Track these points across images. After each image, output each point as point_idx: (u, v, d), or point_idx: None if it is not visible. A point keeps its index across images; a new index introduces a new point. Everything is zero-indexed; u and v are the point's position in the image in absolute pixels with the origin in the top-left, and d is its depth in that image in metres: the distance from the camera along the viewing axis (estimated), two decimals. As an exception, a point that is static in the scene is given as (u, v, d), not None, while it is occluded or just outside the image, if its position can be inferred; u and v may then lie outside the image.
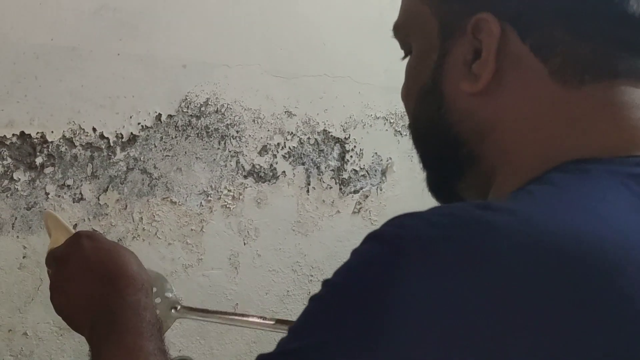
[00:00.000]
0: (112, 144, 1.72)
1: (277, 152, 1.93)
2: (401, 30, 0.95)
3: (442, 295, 0.66)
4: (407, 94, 0.95)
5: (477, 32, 0.83)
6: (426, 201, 2.16)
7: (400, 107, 2.03)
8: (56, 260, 1.21)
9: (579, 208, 0.73)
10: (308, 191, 1.99)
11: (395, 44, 2.00)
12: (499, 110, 0.85)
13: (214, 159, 1.85)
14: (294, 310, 1.98)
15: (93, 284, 1.17)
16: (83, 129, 1.69)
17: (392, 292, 0.67)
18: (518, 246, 0.68)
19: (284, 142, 1.94)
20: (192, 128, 1.82)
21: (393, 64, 2.02)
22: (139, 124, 1.75)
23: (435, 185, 0.96)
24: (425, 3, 0.89)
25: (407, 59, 0.97)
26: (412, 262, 0.67)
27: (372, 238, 0.71)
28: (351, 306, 0.69)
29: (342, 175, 2.03)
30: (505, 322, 0.65)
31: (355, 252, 0.71)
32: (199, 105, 1.82)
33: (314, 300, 0.72)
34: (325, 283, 0.71)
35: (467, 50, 0.85)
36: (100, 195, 1.72)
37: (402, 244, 0.69)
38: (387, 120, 2.09)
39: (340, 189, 2.03)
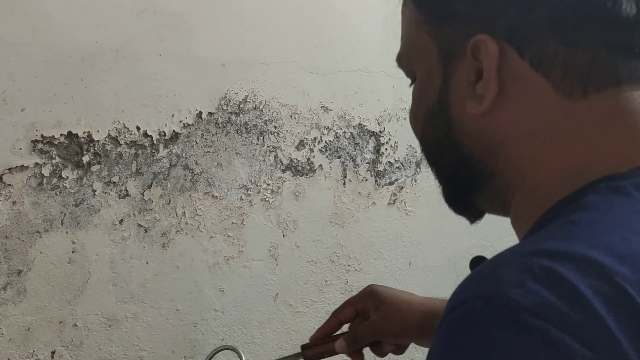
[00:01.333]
0: (155, 142, 1.74)
1: (314, 146, 1.94)
2: (404, 59, 0.96)
3: None
4: (414, 117, 0.95)
5: (477, 53, 0.83)
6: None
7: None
8: None
9: (622, 231, 0.72)
10: (344, 184, 1.99)
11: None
12: (507, 127, 0.84)
13: (253, 154, 1.86)
14: (332, 300, 1.99)
15: None
16: (127, 128, 1.70)
17: None
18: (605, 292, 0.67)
19: (321, 137, 1.95)
20: (232, 125, 1.83)
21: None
22: (180, 121, 1.76)
23: (451, 199, 0.97)
24: (423, 30, 0.89)
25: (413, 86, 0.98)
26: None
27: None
28: None
29: (377, 167, 2.03)
30: None
31: None
32: (238, 102, 1.83)
33: None
34: None
35: (469, 71, 0.84)
36: (144, 191, 1.74)
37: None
38: (421, 113, 2.08)
39: (376, 180, 2.04)
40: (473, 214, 0.98)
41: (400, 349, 1.38)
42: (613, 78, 0.81)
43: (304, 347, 1.37)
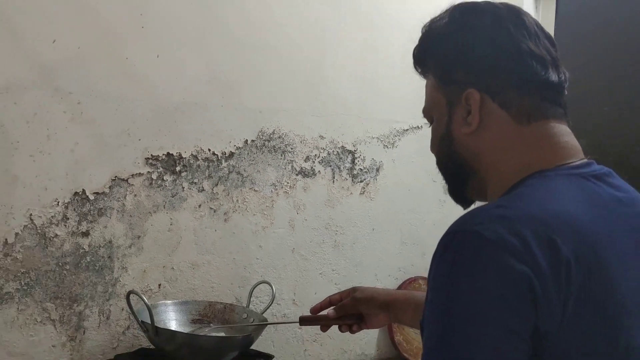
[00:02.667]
0: (219, 158, 1.75)
1: (315, 159, 1.94)
2: (428, 111, 0.99)
3: None
4: (433, 143, 0.99)
5: (467, 100, 0.90)
6: (402, 187, 2.21)
7: (387, 130, 2.08)
8: None
9: (546, 197, 0.80)
10: (333, 182, 1.98)
11: (383, 91, 2.03)
12: (484, 142, 0.90)
13: (278, 164, 1.86)
14: (326, 251, 1.98)
15: None
16: (203, 150, 1.72)
17: None
18: (522, 221, 0.74)
19: (319, 154, 1.94)
20: (265, 147, 1.83)
21: (383, 105, 2.06)
22: (234, 145, 1.77)
23: (454, 193, 1.00)
24: (438, 91, 0.95)
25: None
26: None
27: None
28: None
29: (353, 172, 2.03)
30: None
31: None
32: (269, 134, 1.84)
33: None
34: None
35: (463, 111, 0.91)
36: (213, 187, 1.75)
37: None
38: (379, 139, 2.07)
39: (352, 180, 2.03)
40: (466, 202, 0.99)
41: (358, 328, 1.30)
42: (544, 115, 0.89)
43: (301, 317, 1.32)
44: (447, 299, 0.74)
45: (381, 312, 1.27)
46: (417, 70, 1.01)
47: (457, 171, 0.95)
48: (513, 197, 0.81)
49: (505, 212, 0.76)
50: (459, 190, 0.98)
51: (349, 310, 1.29)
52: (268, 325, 1.54)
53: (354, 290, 1.31)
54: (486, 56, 0.89)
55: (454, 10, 0.96)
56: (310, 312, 1.33)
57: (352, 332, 1.31)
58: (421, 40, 0.99)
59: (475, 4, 0.95)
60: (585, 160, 0.88)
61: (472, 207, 0.89)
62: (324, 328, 1.33)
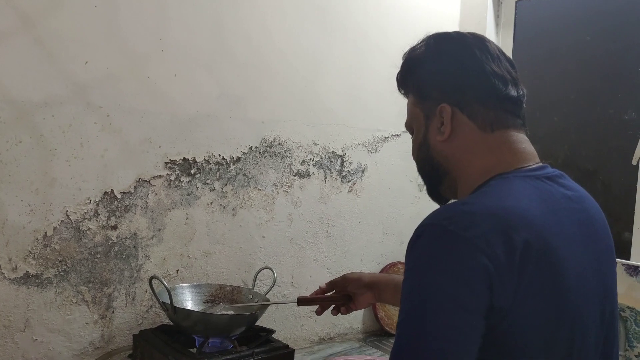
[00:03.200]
0: (228, 162, 1.73)
1: (310, 163, 1.92)
2: (409, 124, 0.99)
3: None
4: (414, 150, 0.99)
5: (441, 112, 0.91)
6: (383, 186, 2.19)
7: (371, 138, 2.06)
8: None
9: (504, 195, 0.80)
10: (325, 182, 1.97)
11: (367, 105, 2.02)
12: (455, 148, 0.90)
13: (279, 167, 1.85)
14: (319, 241, 1.96)
15: None
16: (214, 155, 1.70)
17: None
18: (482, 216, 0.75)
19: (313, 158, 1.93)
20: (267, 152, 1.82)
21: (367, 116, 2.05)
22: (241, 151, 1.76)
23: (431, 192, 0.99)
24: (417, 106, 0.95)
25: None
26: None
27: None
28: None
29: (342, 173, 2.01)
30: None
31: None
32: (270, 141, 1.82)
33: None
34: None
35: (437, 122, 0.91)
36: (223, 187, 1.73)
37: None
38: (364, 145, 2.06)
39: (341, 180, 2.01)
40: (442, 201, 0.99)
41: (348, 310, 1.29)
42: (505, 125, 0.89)
43: (299, 298, 1.29)
44: (416, 279, 0.75)
45: (367, 291, 1.26)
46: (400, 91, 1.02)
47: (433, 173, 0.95)
48: (477, 196, 0.81)
49: (469, 208, 0.76)
50: (435, 190, 0.98)
51: (339, 285, 1.28)
52: (270, 305, 1.53)
53: (342, 276, 1.30)
54: (456, 76, 0.90)
55: (429, 39, 0.96)
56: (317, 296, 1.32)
57: (343, 313, 1.30)
58: (402, 66, 1.00)
59: (446, 33, 0.96)
60: (540, 164, 0.88)
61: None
62: (319, 310, 1.31)
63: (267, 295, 1.61)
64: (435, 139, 0.92)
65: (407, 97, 0.99)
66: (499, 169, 0.86)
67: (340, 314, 1.30)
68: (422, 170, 0.98)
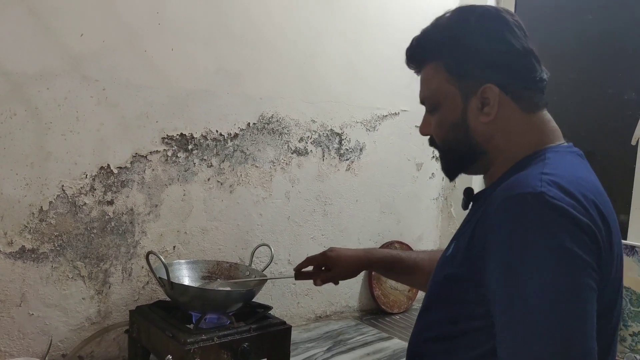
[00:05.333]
0: (226, 138, 1.73)
1: (308, 140, 1.92)
2: (432, 99, 0.95)
3: None
4: (440, 128, 0.95)
5: (484, 93, 0.89)
6: (381, 164, 2.18)
7: (369, 116, 2.05)
8: None
9: (569, 167, 0.81)
10: (323, 159, 1.97)
11: (366, 82, 1.99)
12: (498, 128, 0.90)
13: (276, 144, 1.84)
14: (317, 219, 1.97)
15: None
16: (211, 131, 1.69)
17: None
18: (570, 184, 0.75)
19: (311, 135, 1.92)
20: (265, 129, 1.81)
21: (366, 94, 2.03)
22: (239, 127, 1.75)
23: (452, 169, 0.98)
24: (451, 85, 0.91)
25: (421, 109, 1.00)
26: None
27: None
28: None
29: (340, 151, 2.01)
30: None
31: None
32: (268, 117, 1.81)
33: None
34: None
35: (478, 103, 0.90)
36: (220, 163, 1.72)
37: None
38: (362, 123, 2.05)
39: (339, 158, 2.01)
40: (455, 176, 0.98)
41: (334, 280, 1.31)
42: (541, 105, 0.91)
43: (296, 273, 1.33)
44: (531, 251, 0.70)
45: (358, 272, 1.30)
46: (413, 61, 0.98)
47: (469, 153, 0.93)
48: (545, 166, 0.80)
49: (553, 178, 0.75)
50: (460, 168, 0.97)
51: (317, 262, 1.31)
52: (267, 281, 1.53)
53: (329, 249, 1.32)
54: (501, 55, 0.88)
55: (464, 13, 0.93)
56: (294, 270, 1.35)
57: (316, 283, 1.32)
58: (428, 37, 0.95)
59: (483, 8, 0.93)
60: (567, 143, 0.91)
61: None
62: (319, 282, 1.32)
63: (264, 272, 1.60)
64: (477, 120, 0.90)
65: (423, 69, 0.96)
66: (543, 145, 0.88)
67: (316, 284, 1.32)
68: (453, 150, 0.95)
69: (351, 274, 1.30)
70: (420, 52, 0.96)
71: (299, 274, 1.32)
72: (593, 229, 0.72)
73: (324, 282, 1.31)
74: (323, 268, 1.33)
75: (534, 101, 0.90)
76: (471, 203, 0.98)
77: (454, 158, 0.96)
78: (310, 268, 1.35)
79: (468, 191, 0.98)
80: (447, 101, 0.93)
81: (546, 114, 0.91)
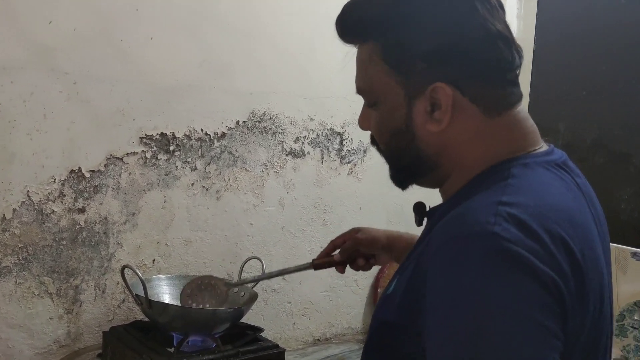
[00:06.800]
0: (212, 138, 1.74)
1: (304, 141, 1.93)
2: (369, 93, 0.85)
3: None
4: (380, 132, 0.86)
5: (434, 93, 0.77)
6: (387, 167, 2.20)
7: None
8: None
9: (539, 189, 0.73)
10: (322, 162, 1.98)
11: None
12: (451, 137, 0.79)
13: (269, 145, 1.85)
14: (315, 229, 1.98)
15: None
16: (195, 130, 1.71)
17: None
18: (533, 219, 0.66)
19: (308, 135, 1.94)
20: (256, 128, 1.82)
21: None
22: (227, 126, 1.76)
23: (399, 180, 0.89)
24: (390, 77, 0.80)
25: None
26: None
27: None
28: None
29: (341, 153, 2.02)
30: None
31: None
32: (260, 115, 1.83)
33: None
34: None
35: (426, 105, 0.78)
36: (206, 166, 1.74)
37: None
38: (366, 121, 2.08)
39: (340, 160, 2.02)
40: (406, 188, 0.89)
41: (368, 265, 1.24)
42: (511, 102, 0.80)
43: (314, 260, 1.27)
44: (477, 312, 0.63)
45: (383, 253, 1.22)
46: (345, 36, 0.87)
47: (416, 167, 0.84)
48: (505, 190, 0.72)
49: (512, 210, 0.67)
50: (408, 179, 0.89)
51: (353, 251, 1.22)
52: (258, 300, 1.54)
53: (355, 230, 1.24)
54: (453, 44, 0.76)
55: None
56: (314, 261, 1.28)
57: (365, 269, 1.25)
58: (363, 3, 0.84)
59: None
60: (547, 146, 0.83)
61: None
62: (340, 269, 1.25)
63: (255, 290, 1.61)
64: (424, 128, 0.80)
65: (359, 49, 0.86)
66: (508, 153, 0.79)
67: (362, 270, 1.26)
68: (397, 161, 0.87)
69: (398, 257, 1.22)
70: (351, 26, 0.85)
71: (318, 265, 1.25)
72: (558, 282, 0.65)
73: (360, 269, 1.25)
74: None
75: (500, 99, 0.79)
76: (425, 219, 0.90)
77: (399, 168, 0.88)
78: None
79: (419, 207, 0.90)
80: (387, 100, 0.82)
81: (519, 112, 0.80)
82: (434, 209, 0.87)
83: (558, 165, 0.79)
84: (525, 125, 0.81)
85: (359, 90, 0.88)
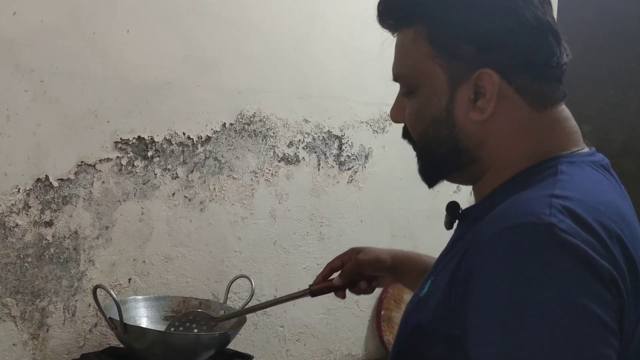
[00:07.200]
0: (195, 142, 1.74)
1: (299, 145, 1.94)
2: (407, 79, 0.90)
3: None
4: (417, 120, 0.90)
5: (480, 80, 0.82)
6: (393, 175, 2.20)
7: (378, 114, 2.07)
8: None
9: (590, 187, 0.78)
10: (319, 169, 1.98)
11: (372, 72, 2.02)
12: (494, 128, 0.84)
13: (259, 150, 1.86)
14: (311, 244, 1.98)
15: None
16: (177, 133, 1.71)
17: None
18: (588, 214, 0.71)
19: (303, 139, 1.94)
20: (245, 131, 1.83)
21: (372, 87, 2.06)
22: (212, 129, 1.77)
23: (430, 175, 0.93)
24: (435, 63, 0.85)
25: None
26: None
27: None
28: None
29: (340, 159, 2.03)
30: None
31: None
32: (249, 116, 1.83)
33: None
34: None
35: (470, 92, 0.83)
36: (188, 174, 1.74)
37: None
38: (368, 124, 2.07)
39: (339, 167, 2.03)
40: (434, 184, 0.94)
41: (371, 288, 1.26)
42: (555, 99, 0.85)
43: (310, 285, 1.27)
44: (535, 302, 0.67)
45: (387, 274, 1.24)
46: (386, 19, 0.92)
47: (452, 159, 0.89)
48: (557, 185, 0.76)
49: (566, 204, 0.72)
50: (441, 173, 0.93)
51: (354, 274, 1.24)
52: (246, 324, 1.54)
53: (355, 251, 1.26)
54: (506, 30, 0.82)
55: None
56: (314, 283, 1.29)
57: (367, 293, 1.27)
58: None
59: None
60: (589, 148, 0.88)
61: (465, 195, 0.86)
62: (340, 294, 1.26)
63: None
64: (465, 117, 0.85)
65: (399, 34, 0.91)
66: (553, 151, 0.84)
67: (364, 293, 1.27)
68: (433, 152, 0.90)
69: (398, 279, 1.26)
70: (395, 9, 0.90)
71: (316, 291, 1.26)
72: (616, 277, 0.69)
73: (362, 293, 1.26)
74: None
75: (546, 94, 0.85)
76: (456, 222, 0.94)
77: (433, 160, 0.91)
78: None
79: (452, 207, 0.94)
80: (428, 85, 0.87)
81: (563, 111, 0.86)
82: (468, 209, 0.92)
83: (602, 166, 0.85)
84: (569, 124, 0.86)
85: (397, 77, 0.92)
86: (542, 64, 0.84)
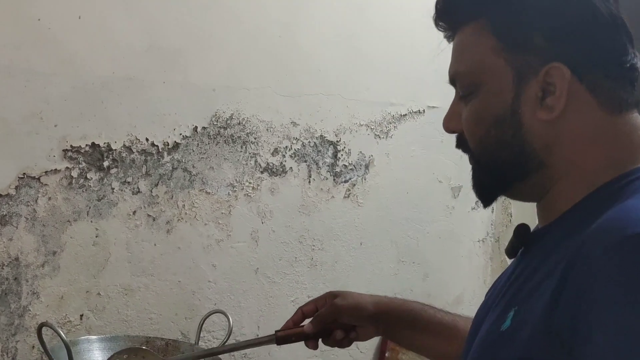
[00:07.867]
0: (160, 150, 1.74)
1: (286, 153, 1.93)
2: (468, 77, 0.94)
3: None
4: (478, 122, 0.93)
5: (548, 76, 0.87)
6: (399, 189, 2.20)
7: (380, 116, 2.07)
8: None
9: None
10: (309, 182, 1.98)
11: (373, 64, 2.02)
12: (566, 131, 0.88)
13: (238, 159, 1.86)
14: (300, 272, 1.98)
15: None
16: (138, 139, 1.71)
17: None
18: None
19: (291, 145, 1.94)
20: (221, 136, 1.83)
21: (373, 84, 2.06)
22: (180, 134, 1.77)
23: (489, 190, 0.97)
24: (500, 57, 0.90)
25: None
26: None
27: None
28: None
29: (335, 169, 2.02)
30: None
31: None
32: (225, 119, 1.83)
33: None
34: None
35: (537, 89, 0.88)
36: (152, 188, 1.74)
37: None
38: (368, 127, 2.07)
39: (334, 179, 2.02)
40: (491, 202, 0.98)
41: (347, 340, 1.29)
42: (630, 104, 0.89)
43: (277, 331, 1.29)
44: None
45: (368, 324, 1.28)
46: (447, 17, 0.98)
47: (518, 164, 0.92)
48: None
49: None
50: (501, 186, 0.97)
51: (329, 321, 1.27)
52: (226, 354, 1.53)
53: (332, 295, 1.30)
54: (579, 21, 0.87)
55: None
56: (282, 328, 1.32)
57: (342, 346, 1.30)
58: None
59: None
60: None
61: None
62: (311, 343, 1.30)
63: (217, 356, 1.61)
64: (533, 115, 0.89)
65: (459, 34, 0.96)
66: (633, 161, 0.88)
67: (338, 346, 1.31)
68: (494, 158, 0.94)
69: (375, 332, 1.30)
70: (457, 5, 0.96)
71: (283, 338, 1.28)
72: None
73: (336, 345, 1.30)
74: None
75: (621, 96, 0.89)
76: (522, 248, 0.97)
77: (494, 170, 0.95)
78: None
79: (521, 230, 0.98)
80: (491, 82, 0.92)
81: (637, 118, 0.91)
82: (542, 231, 0.95)
83: None
84: None
85: (455, 77, 0.96)
86: (616, 62, 0.88)
